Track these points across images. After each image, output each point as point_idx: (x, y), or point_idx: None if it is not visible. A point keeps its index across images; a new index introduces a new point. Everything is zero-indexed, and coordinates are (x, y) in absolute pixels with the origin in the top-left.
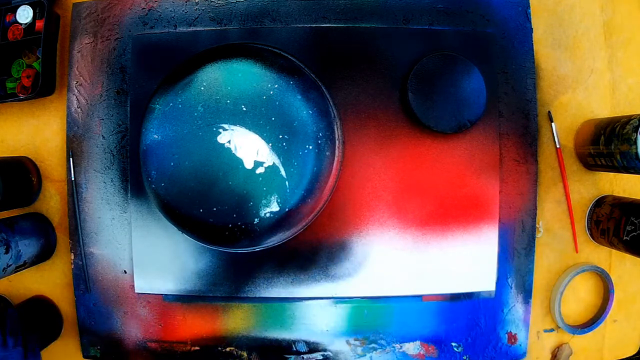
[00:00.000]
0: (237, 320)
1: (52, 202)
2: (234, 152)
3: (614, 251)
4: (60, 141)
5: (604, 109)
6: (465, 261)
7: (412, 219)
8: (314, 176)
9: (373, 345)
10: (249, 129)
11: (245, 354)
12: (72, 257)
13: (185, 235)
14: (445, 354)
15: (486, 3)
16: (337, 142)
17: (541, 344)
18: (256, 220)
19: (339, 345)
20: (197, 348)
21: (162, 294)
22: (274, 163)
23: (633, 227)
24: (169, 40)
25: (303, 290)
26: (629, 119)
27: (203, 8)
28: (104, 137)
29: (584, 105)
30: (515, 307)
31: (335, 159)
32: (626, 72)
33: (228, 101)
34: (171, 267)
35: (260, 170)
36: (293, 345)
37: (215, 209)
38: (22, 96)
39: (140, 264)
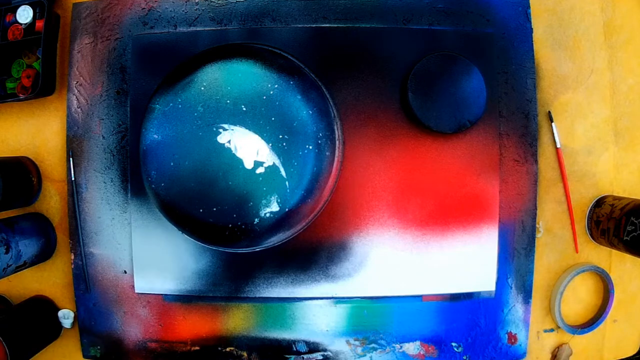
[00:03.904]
0: (237, 320)
1: (52, 202)
2: (234, 152)
3: (614, 251)
4: (60, 141)
5: (604, 109)
6: (465, 261)
7: (412, 219)
8: (314, 176)
9: (373, 345)
10: (249, 129)
11: (245, 354)
12: (72, 257)
13: (185, 235)
14: (445, 354)
15: (486, 3)
16: (337, 142)
17: (541, 344)
18: (256, 220)
19: (339, 345)
20: (197, 348)
21: (162, 294)
22: (274, 163)
23: (633, 227)
24: (169, 40)
25: (303, 291)
26: None
27: (203, 8)
28: (104, 137)
29: (584, 105)
30: (515, 307)
31: (335, 159)
32: (626, 72)
33: (228, 101)
34: (171, 267)
35: (260, 170)
36: (293, 345)
37: (215, 209)
38: (22, 96)
39: (140, 264)
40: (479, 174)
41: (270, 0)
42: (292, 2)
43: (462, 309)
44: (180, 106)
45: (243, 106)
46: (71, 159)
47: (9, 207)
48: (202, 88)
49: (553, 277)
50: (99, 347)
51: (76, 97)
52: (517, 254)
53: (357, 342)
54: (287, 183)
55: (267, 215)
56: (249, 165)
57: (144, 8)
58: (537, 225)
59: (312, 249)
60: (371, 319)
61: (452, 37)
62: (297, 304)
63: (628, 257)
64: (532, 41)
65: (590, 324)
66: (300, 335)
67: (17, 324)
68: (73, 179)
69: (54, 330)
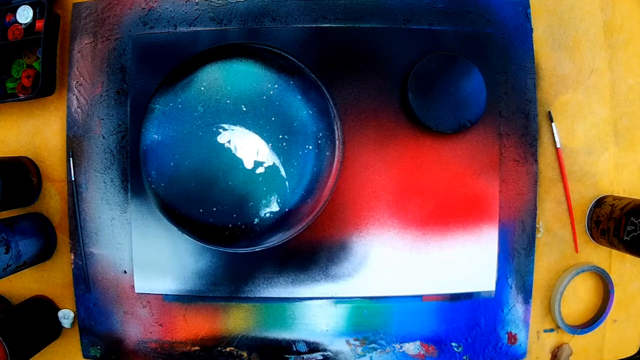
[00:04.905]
0: (237, 320)
1: (52, 202)
2: (234, 152)
3: (614, 251)
4: (60, 141)
5: (604, 109)
6: (465, 261)
7: (412, 219)
8: (314, 176)
9: (373, 345)
10: (249, 129)
11: (245, 354)
12: (72, 257)
13: (185, 235)
14: (445, 354)
15: (486, 3)
16: (337, 142)
17: (541, 344)
18: (256, 220)
19: (339, 345)
20: (197, 348)
21: (162, 294)
22: (274, 163)
23: (633, 227)
24: (169, 40)
25: (303, 290)
26: None
27: (203, 8)
28: (104, 137)
29: (584, 105)
30: (515, 307)
31: (335, 159)
32: (626, 72)
33: (228, 101)
34: (171, 267)
35: (260, 170)
36: (293, 345)
37: (215, 209)
38: (22, 96)
39: (140, 264)
40: (479, 174)
41: (270, 0)
42: (292, 2)
43: (462, 309)
44: (180, 106)
45: (243, 106)
46: (71, 159)
47: (9, 207)
48: (202, 88)
49: (553, 277)
50: (99, 347)
51: (76, 97)
52: (517, 254)
53: (357, 342)
54: (287, 183)
55: (267, 215)
56: (249, 165)
57: (144, 8)
58: (537, 225)
59: (312, 249)
60: (371, 319)
61: (452, 37)
62: (297, 304)
63: (628, 257)
64: (532, 41)
65: (590, 324)
66: (300, 335)
67: (17, 324)
68: (73, 179)
69: (54, 330)
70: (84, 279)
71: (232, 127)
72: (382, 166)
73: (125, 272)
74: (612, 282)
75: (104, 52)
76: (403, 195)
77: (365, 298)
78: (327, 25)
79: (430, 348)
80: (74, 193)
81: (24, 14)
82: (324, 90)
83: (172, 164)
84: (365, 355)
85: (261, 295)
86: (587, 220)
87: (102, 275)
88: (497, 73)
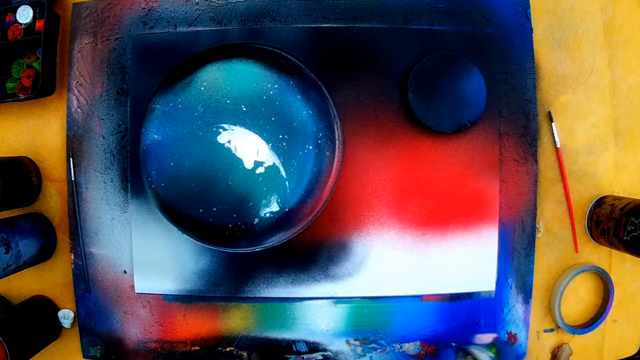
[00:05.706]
0: (237, 320)
1: (52, 202)
2: (234, 152)
3: (614, 251)
4: (60, 141)
5: (604, 109)
6: (465, 261)
7: (412, 219)
8: (314, 176)
9: (373, 345)
10: (249, 129)
11: (245, 354)
12: (72, 257)
13: (185, 235)
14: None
15: (486, 3)
16: (337, 142)
17: (541, 344)
18: (256, 220)
19: (339, 345)
20: (197, 348)
21: (162, 294)
22: (274, 163)
23: (633, 227)
24: (169, 40)
25: (303, 290)
26: None
27: (203, 8)
28: (104, 137)
29: (584, 105)
30: (515, 307)
31: (335, 159)
32: (626, 72)
33: (228, 101)
34: (171, 267)
35: (260, 170)
36: (293, 345)
37: (215, 209)
38: (22, 96)
39: (140, 264)
40: (479, 174)
41: (270, 0)
42: (292, 2)
43: (462, 309)
44: (180, 106)
45: (243, 106)
46: (71, 159)
47: (9, 207)
48: (202, 88)
49: (553, 277)
50: (99, 347)
51: (76, 97)
52: (517, 254)
53: (357, 342)
54: (287, 183)
55: (267, 215)
56: (249, 165)
57: (144, 8)
58: (537, 225)
59: (312, 249)
60: (371, 319)
61: (452, 37)
62: (297, 304)
63: (628, 257)
64: (532, 41)
65: (590, 324)
66: (300, 335)
67: (17, 324)
68: (73, 179)
69: (54, 330)
70: (84, 279)
71: (232, 127)
72: (382, 166)
73: (125, 272)
74: (612, 282)
75: (104, 52)
76: (403, 195)
77: (365, 298)
78: (327, 25)
79: (430, 348)
80: (74, 193)
81: (24, 14)
82: (324, 90)
83: (172, 164)
84: (365, 355)
85: (261, 295)
86: (587, 220)
87: (102, 275)
88: (497, 73)
